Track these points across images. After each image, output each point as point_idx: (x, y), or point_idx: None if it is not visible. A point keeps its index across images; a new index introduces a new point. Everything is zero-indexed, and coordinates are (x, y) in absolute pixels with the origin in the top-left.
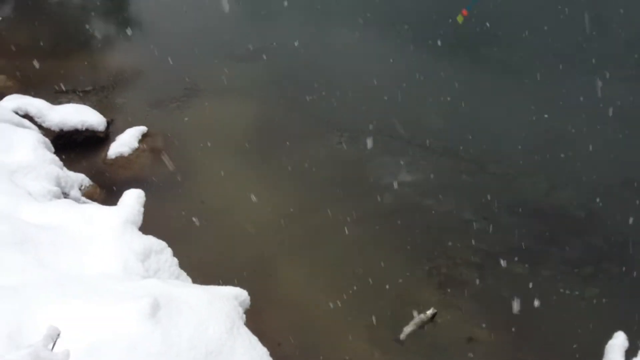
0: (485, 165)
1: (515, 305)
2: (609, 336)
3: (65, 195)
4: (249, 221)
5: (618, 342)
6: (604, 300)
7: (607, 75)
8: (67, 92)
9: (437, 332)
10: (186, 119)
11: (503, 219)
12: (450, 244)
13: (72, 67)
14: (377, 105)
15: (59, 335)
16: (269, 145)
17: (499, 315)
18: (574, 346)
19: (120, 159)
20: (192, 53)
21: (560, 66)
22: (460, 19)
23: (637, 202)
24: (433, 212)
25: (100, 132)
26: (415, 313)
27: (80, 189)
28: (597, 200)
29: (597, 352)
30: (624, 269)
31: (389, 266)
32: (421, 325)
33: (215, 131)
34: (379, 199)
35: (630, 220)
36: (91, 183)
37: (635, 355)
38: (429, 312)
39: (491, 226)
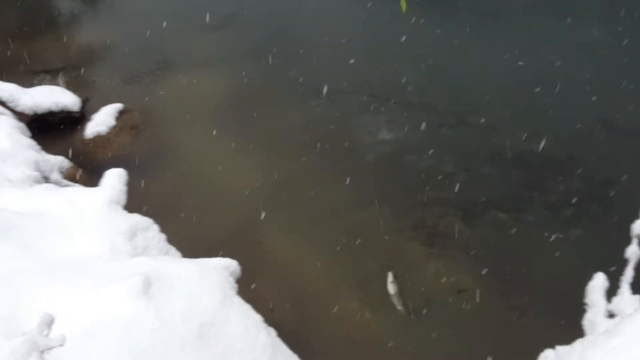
0: (464, 117)
1: (501, 252)
2: (589, 273)
3: (46, 179)
4: (233, 191)
5: (598, 283)
6: (585, 241)
7: (581, 17)
8: (37, 73)
9: (427, 285)
10: (162, 92)
11: (484, 169)
12: (434, 197)
13: (41, 47)
14: (353, 65)
15: (53, 321)
16: (248, 113)
17: (486, 264)
18: (559, 289)
19: (98, 138)
20: (162, 25)
21: (533, 11)
22: (403, 4)
23: (614, 143)
24: (415, 167)
25: (76, 112)
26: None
27: (60, 172)
28: (576, 144)
29: (582, 293)
30: (603, 210)
31: (374, 223)
32: (396, 291)
33: (193, 103)
34: (360, 158)
35: (608, 162)
36: (71, 165)
37: (615, 294)
38: (389, 279)
39: (473, 177)
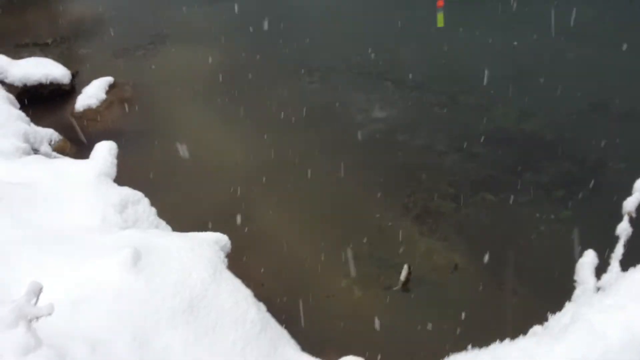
0: (457, 97)
1: (492, 232)
2: (579, 252)
3: (36, 151)
4: (224, 166)
5: (588, 260)
6: (576, 221)
7: None
8: (27, 45)
9: (418, 264)
10: (153, 66)
11: (476, 149)
12: (425, 177)
13: (31, 19)
14: (347, 42)
15: (41, 289)
16: (240, 89)
17: (477, 243)
18: (550, 268)
19: (88, 111)
20: None
21: None
22: (440, 19)
23: (605, 124)
24: (407, 146)
25: (66, 84)
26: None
27: (50, 144)
28: (567, 124)
29: (572, 270)
30: (593, 190)
31: (366, 202)
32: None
33: (184, 78)
34: (352, 136)
35: (599, 143)
36: (61, 137)
37: (604, 271)
38: (403, 272)
39: (465, 157)
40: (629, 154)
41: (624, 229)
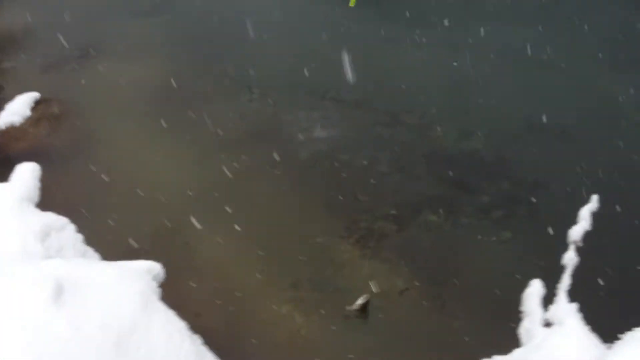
0: (398, 116)
1: (434, 254)
2: (523, 278)
3: None
4: (158, 190)
5: (534, 291)
6: (517, 242)
7: (513, 19)
8: None
9: (359, 287)
10: (84, 82)
11: (418, 170)
12: (367, 197)
13: None
14: (288, 60)
15: None
16: (176, 108)
17: (419, 266)
18: (492, 292)
19: (12, 129)
20: (89, 9)
21: (467, 12)
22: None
23: (542, 144)
24: (349, 166)
25: None
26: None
27: None
28: (506, 144)
29: (516, 296)
30: (532, 210)
31: (306, 225)
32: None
33: (117, 95)
34: (294, 156)
35: (536, 163)
36: None
37: (551, 302)
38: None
39: (407, 177)
40: (565, 173)
41: (570, 258)
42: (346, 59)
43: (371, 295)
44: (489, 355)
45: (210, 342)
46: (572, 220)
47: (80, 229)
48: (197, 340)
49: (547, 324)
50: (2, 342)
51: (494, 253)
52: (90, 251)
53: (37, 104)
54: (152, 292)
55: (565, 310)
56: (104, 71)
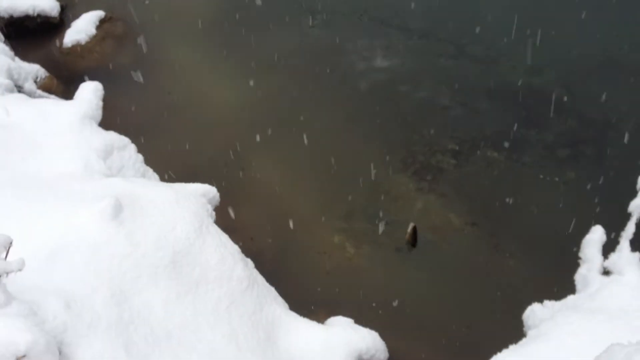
0: (464, 48)
1: (492, 191)
2: (585, 222)
3: (19, 88)
4: (217, 114)
5: (595, 237)
6: (581, 185)
7: None
8: None
9: (414, 220)
10: (147, 1)
11: (481, 104)
12: (426, 131)
13: None
14: None
15: (11, 243)
16: (237, 31)
17: (476, 202)
18: (550, 234)
19: (77, 47)
20: None
21: None
22: None
23: (615, 82)
24: (409, 98)
25: (54, 17)
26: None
27: (35, 81)
28: (575, 81)
29: (572, 241)
30: (600, 151)
31: (363, 155)
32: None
33: (180, 16)
34: (353, 85)
35: (607, 101)
36: (47, 74)
37: (613, 250)
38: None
39: (469, 112)
40: (636, 114)
41: (637, 205)
42: None
43: (419, 226)
44: (540, 300)
45: (263, 266)
46: None
47: (141, 149)
48: (249, 263)
49: (606, 273)
50: (63, 255)
51: (556, 194)
52: (149, 171)
53: (102, 23)
54: (207, 215)
55: (627, 259)
56: None
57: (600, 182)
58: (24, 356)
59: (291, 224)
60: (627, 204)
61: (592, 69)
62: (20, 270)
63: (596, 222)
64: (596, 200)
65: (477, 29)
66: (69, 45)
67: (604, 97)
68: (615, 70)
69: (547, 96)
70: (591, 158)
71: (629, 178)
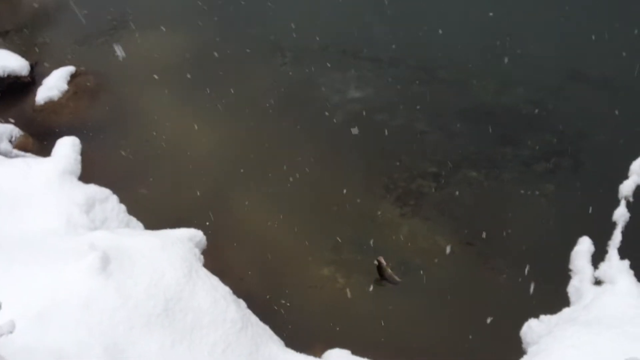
0: (434, 73)
1: (475, 211)
2: (569, 233)
3: None
4: (197, 156)
5: (584, 248)
6: (561, 197)
7: None
8: None
9: (401, 247)
10: (117, 53)
11: (456, 126)
12: (405, 157)
13: None
14: (318, 21)
15: None
16: (210, 74)
17: (460, 223)
18: (536, 248)
19: (50, 104)
20: None
21: None
22: None
23: (583, 95)
24: (386, 126)
25: (24, 76)
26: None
27: (10, 141)
28: (547, 96)
29: (564, 253)
30: (575, 162)
31: (346, 185)
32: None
33: (150, 64)
34: (329, 118)
35: (578, 114)
36: (22, 133)
37: (602, 259)
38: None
39: (445, 135)
40: (607, 124)
41: (621, 214)
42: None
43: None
44: (536, 315)
45: (256, 305)
46: (622, 175)
47: (123, 199)
48: (242, 304)
49: (597, 282)
50: (53, 314)
51: (538, 208)
52: (133, 221)
53: (73, 78)
54: (196, 259)
55: (617, 268)
56: (136, 42)
57: (579, 193)
58: None
59: (280, 261)
60: (609, 213)
61: (560, 83)
62: (11, 332)
63: (581, 233)
64: (577, 211)
65: (446, 53)
66: (42, 102)
67: (574, 109)
68: (583, 83)
69: (520, 113)
70: (568, 170)
71: (608, 187)
